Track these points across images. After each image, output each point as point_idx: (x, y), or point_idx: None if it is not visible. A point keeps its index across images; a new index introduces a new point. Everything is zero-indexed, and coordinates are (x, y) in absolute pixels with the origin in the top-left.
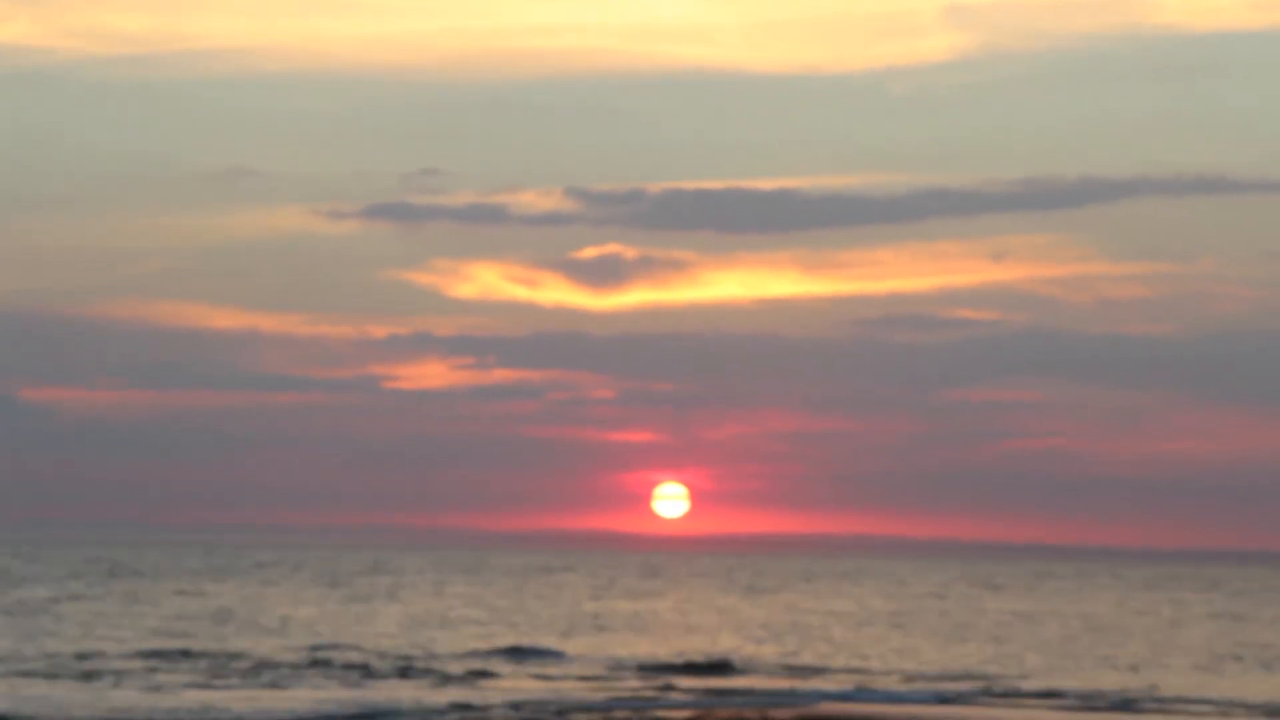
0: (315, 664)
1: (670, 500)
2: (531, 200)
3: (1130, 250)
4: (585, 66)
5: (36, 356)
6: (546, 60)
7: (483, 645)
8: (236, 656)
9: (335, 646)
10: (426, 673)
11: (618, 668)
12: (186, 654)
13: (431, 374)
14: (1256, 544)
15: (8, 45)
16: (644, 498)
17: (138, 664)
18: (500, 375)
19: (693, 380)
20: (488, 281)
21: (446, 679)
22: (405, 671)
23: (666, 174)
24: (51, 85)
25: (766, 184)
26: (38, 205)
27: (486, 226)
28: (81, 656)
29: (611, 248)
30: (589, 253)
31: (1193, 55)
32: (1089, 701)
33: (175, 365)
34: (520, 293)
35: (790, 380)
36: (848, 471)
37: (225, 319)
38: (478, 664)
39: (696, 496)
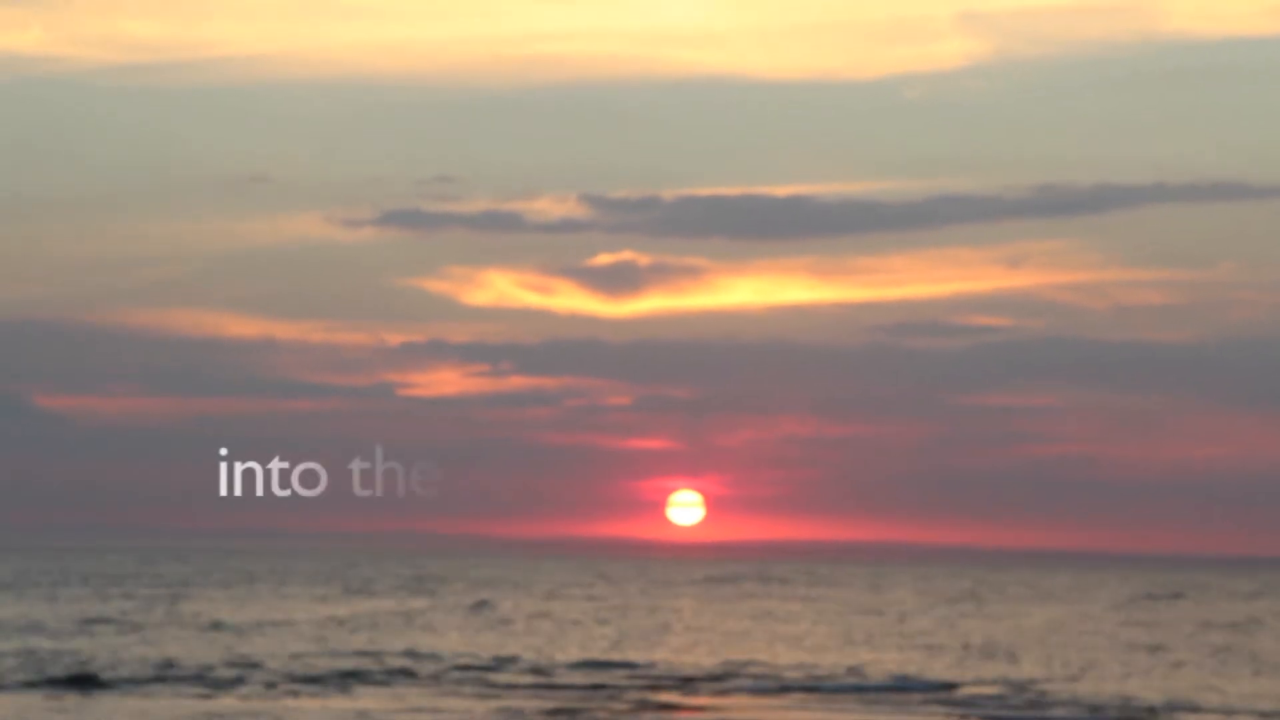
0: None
1: (685, 507)
2: (546, 207)
3: (1147, 256)
4: (599, 73)
5: (51, 363)
6: (561, 67)
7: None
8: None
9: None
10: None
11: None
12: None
13: (446, 381)
14: (1276, 550)
15: (22, 53)
16: (659, 505)
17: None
18: (515, 382)
19: (707, 387)
20: (502, 288)
21: None
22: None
23: (681, 181)
24: (66, 92)
25: (781, 190)
26: (52, 212)
27: (501, 233)
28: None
29: (626, 254)
30: (603, 259)
31: (1208, 61)
32: None
33: (190, 372)
34: (534, 300)
35: (805, 386)
36: (863, 477)
37: (240, 326)
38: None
39: (711, 503)
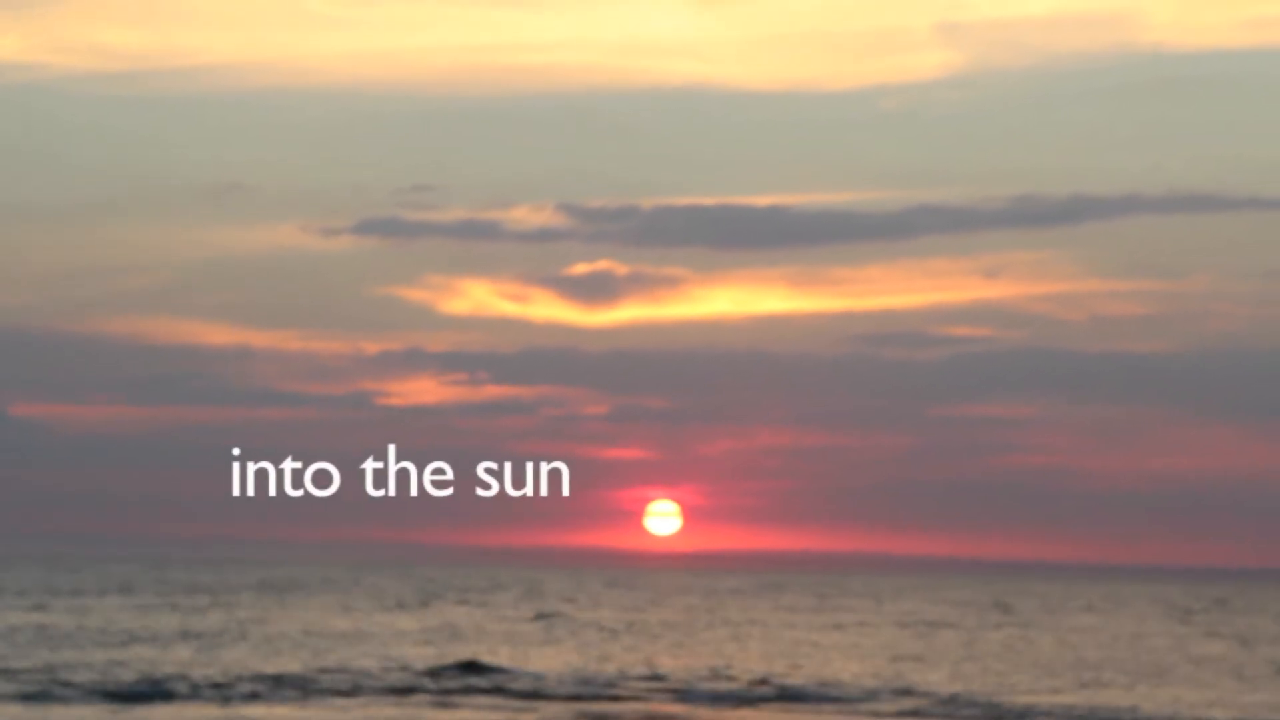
0: None
1: (662, 517)
2: (523, 216)
3: (1123, 267)
4: (578, 82)
5: (29, 372)
6: (539, 76)
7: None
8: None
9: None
10: None
11: None
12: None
13: (424, 390)
14: (1251, 561)
15: (0, 61)
16: (636, 514)
17: None
18: (492, 391)
19: (685, 397)
20: (479, 298)
21: None
22: None
23: (659, 190)
24: (44, 100)
25: (759, 200)
26: (30, 220)
27: (478, 242)
28: None
29: (603, 264)
30: (581, 269)
31: (1185, 73)
32: None
33: (168, 381)
34: (512, 309)
35: (782, 397)
36: (840, 488)
37: (218, 335)
38: None
39: (688, 513)
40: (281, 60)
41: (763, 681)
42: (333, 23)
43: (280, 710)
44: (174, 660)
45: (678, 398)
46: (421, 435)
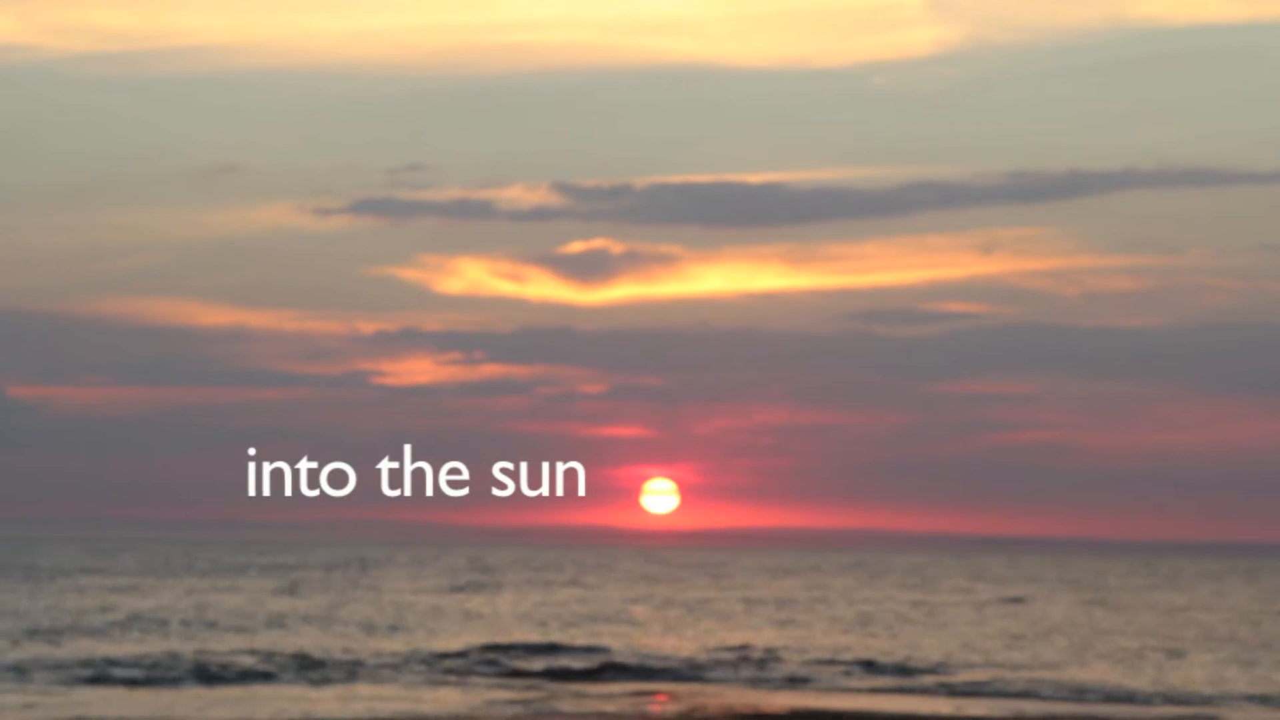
0: None
1: (659, 495)
2: (518, 195)
3: (1118, 242)
4: (571, 61)
5: (24, 354)
6: (532, 55)
7: None
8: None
9: None
10: None
11: None
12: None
13: (419, 369)
14: (1247, 536)
15: None
16: (633, 493)
17: None
18: (488, 370)
19: (681, 374)
20: (475, 277)
21: None
22: None
23: (653, 168)
24: (37, 82)
25: (753, 178)
26: (23, 202)
27: (473, 222)
28: None
29: (599, 242)
30: (576, 247)
31: (1178, 48)
32: None
33: (163, 361)
34: (507, 288)
35: (778, 374)
36: (836, 465)
37: (213, 315)
38: None
39: (685, 491)
40: (275, 41)
41: (869, 663)
42: (327, 3)
43: (448, 695)
44: (263, 641)
45: (674, 376)
46: (417, 415)
